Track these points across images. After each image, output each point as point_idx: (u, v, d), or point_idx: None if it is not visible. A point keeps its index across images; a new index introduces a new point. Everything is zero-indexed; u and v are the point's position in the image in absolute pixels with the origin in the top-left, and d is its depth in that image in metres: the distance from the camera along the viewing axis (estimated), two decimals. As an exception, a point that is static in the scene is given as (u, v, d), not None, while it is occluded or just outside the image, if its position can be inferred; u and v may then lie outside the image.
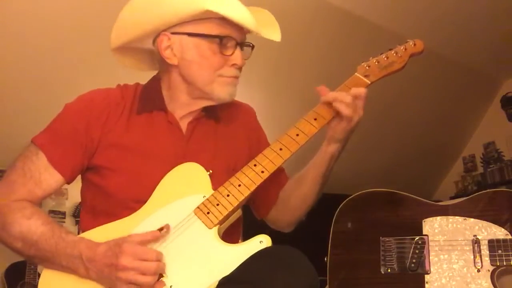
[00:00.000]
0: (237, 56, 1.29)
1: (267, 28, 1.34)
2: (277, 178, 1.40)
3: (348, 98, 1.24)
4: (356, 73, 1.35)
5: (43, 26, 3.25)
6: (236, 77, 1.32)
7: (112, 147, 1.27)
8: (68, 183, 1.29)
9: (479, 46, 4.27)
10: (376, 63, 1.37)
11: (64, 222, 4.58)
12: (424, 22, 3.71)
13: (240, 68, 1.32)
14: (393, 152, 5.05)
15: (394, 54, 1.37)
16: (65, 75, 3.48)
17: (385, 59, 1.37)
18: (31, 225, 1.17)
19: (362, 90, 1.28)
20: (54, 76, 3.52)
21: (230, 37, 1.28)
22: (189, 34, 1.28)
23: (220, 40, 1.27)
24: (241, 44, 1.31)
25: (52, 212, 4.56)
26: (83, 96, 1.34)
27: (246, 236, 1.15)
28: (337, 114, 1.27)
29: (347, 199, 2.20)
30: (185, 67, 1.30)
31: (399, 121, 4.84)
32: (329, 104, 1.28)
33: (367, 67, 1.36)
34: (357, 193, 2.21)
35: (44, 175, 1.25)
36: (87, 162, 1.28)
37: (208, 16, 1.25)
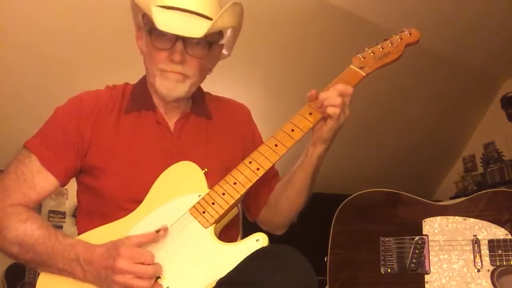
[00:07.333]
0: (174, 50, 1.23)
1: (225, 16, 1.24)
2: (269, 181, 1.39)
3: (337, 100, 1.20)
4: (351, 65, 1.32)
5: (41, 27, 3.25)
6: (176, 72, 1.25)
7: (103, 148, 1.27)
8: (62, 185, 1.28)
9: (479, 46, 4.26)
10: (372, 54, 1.33)
11: (64, 222, 4.57)
12: (425, 22, 3.70)
13: (180, 64, 1.24)
14: (393, 152, 5.05)
15: (390, 45, 1.34)
16: (64, 75, 3.48)
17: (381, 49, 1.34)
18: (27, 229, 1.16)
19: (349, 89, 1.24)
20: (53, 76, 3.52)
21: (161, 31, 1.20)
22: (140, 26, 1.30)
23: (150, 33, 1.25)
24: (185, 39, 1.22)
25: (52, 212, 4.55)
26: (73, 98, 1.34)
27: (246, 234, 1.13)
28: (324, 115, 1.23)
29: (347, 199, 2.20)
30: (144, 60, 1.32)
31: (399, 121, 4.84)
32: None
33: (362, 59, 1.33)
34: (357, 193, 2.20)
35: (38, 178, 1.24)
36: (80, 163, 1.28)
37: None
